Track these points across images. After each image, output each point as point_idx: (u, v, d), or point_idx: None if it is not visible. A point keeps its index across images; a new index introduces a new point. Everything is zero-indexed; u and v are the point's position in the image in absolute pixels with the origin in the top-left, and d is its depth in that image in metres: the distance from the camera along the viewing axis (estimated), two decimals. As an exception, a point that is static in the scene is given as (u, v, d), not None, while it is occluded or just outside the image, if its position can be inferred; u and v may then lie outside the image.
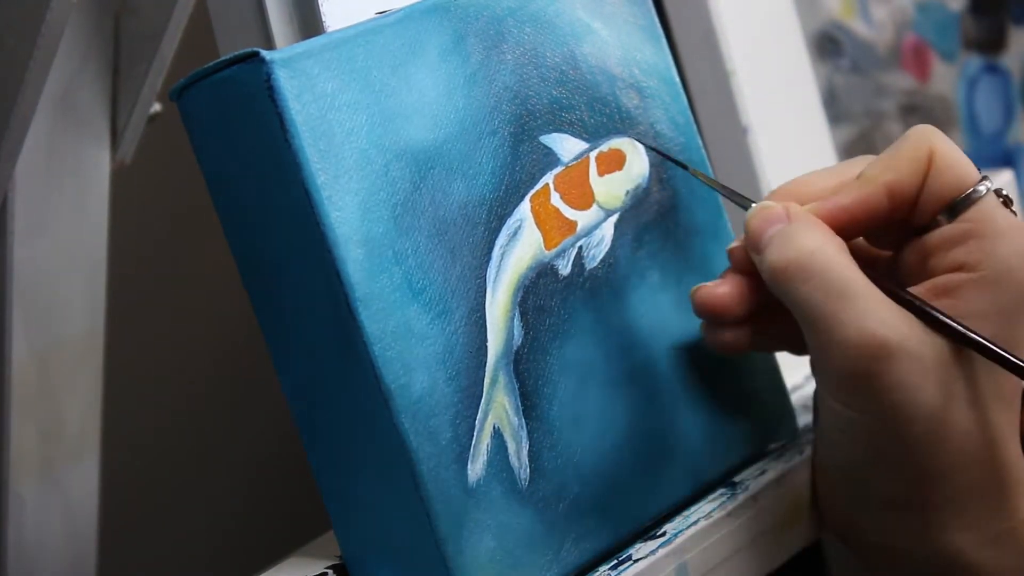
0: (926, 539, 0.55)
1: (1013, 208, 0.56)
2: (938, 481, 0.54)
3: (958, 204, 0.55)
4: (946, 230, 0.55)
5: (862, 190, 0.55)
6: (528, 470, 0.53)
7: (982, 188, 0.55)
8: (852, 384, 0.53)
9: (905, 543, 0.56)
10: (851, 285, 0.53)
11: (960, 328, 0.53)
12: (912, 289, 0.55)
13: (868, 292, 0.53)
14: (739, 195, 0.58)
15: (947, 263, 0.55)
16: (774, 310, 0.57)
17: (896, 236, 0.57)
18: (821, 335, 0.53)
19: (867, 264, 0.55)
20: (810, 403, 0.66)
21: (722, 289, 0.57)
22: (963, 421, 0.54)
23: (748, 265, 0.56)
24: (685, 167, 0.58)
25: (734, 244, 0.57)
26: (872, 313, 0.52)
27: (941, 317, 0.53)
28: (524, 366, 0.53)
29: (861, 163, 0.57)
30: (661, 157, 0.58)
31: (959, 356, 0.54)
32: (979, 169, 0.56)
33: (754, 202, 0.56)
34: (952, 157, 0.55)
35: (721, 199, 0.61)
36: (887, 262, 0.58)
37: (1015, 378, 0.55)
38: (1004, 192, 0.56)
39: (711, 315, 0.57)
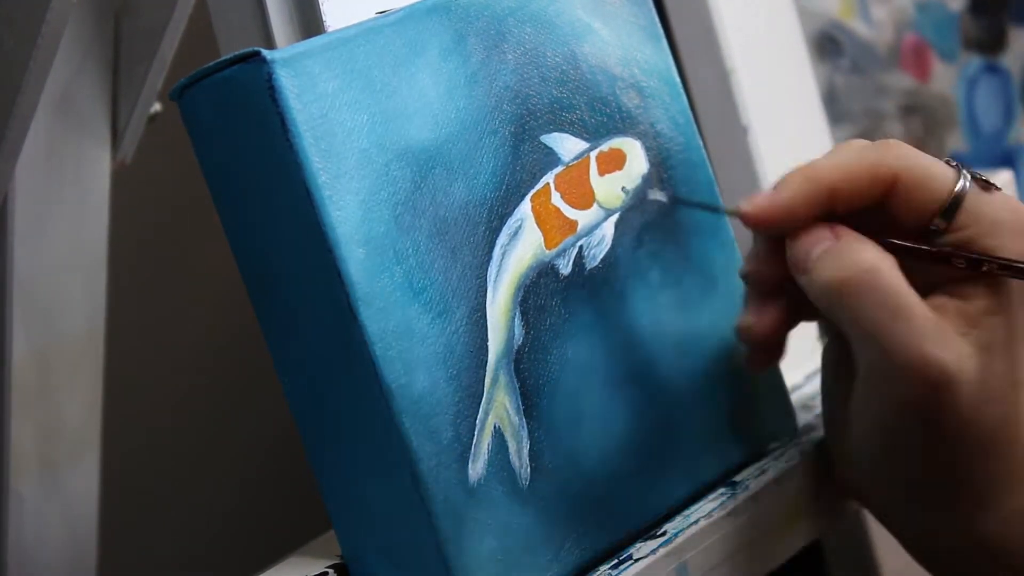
0: (957, 527, 0.56)
1: (995, 185, 0.56)
2: (976, 478, 0.55)
3: (947, 210, 0.55)
4: (948, 238, 0.55)
5: (803, 187, 0.55)
6: (529, 470, 0.53)
7: (961, 184, 0.55)
8: (909, 405, 0.53)
9: (929, 531, 0.57)
10: (908, 303, 0.53)
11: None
12: (934, 299, 0.55)
13: (924, 312, 0.53)
14: (714, 207, 0.58)
15: (959, 269, 0.55)
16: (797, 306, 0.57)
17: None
18: (879, 355, 0.53)
19: None
20: (809, 403, 0.66)
21: (766, 322, 0.57)
22: (996, 418, 0.54)
23: (769, 285, 0.57)
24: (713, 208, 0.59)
25: (745, 268, 0.57)
26: (933, 336, 0.52)
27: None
28: (525, 365, 0.53)
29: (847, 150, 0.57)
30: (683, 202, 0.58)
31: (995, 358, 0.54)
32: (951, 162, 0.56)
33: (726, 212, 0.57)
34: (922, 171, 0.55)
35: (721, 199, 0.61)
36: None
37: None
38: (980, 176, 0.56)
39: (763, 345, 0.57)
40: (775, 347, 0.58)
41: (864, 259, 0.53)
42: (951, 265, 0.55)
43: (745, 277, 0.57)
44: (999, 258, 0.54)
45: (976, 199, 0.55)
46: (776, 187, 0.55)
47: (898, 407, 0.53)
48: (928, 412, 0.53)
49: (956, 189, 0.55)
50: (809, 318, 0.59)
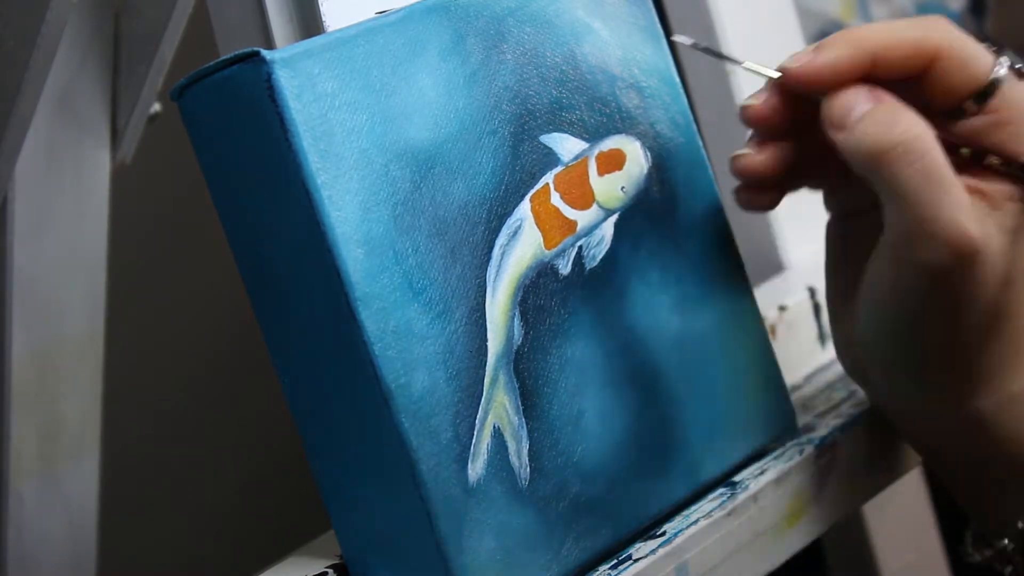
0: (948, 403, 0.57)
1: None
2: (973, 354, 0.56)
3: (982, 92, 0.56)
4: (976, 121, 0.56)
5: (847, 50, 0.55)
6: (528, 469, 0.53)
7: (1000, 71, 0.56)
8: (936, 273, 0.54)
9: (926, 407, 0.58)
10: (949, 175, 0.53)
11: None
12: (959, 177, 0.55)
13: (958, 184, 0.54)
14: (729, 57, 0.60)
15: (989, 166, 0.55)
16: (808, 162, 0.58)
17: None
18: (913, 219, 0.53)
19: None
20: (809, 403, 0.66)
21: (762, 157, 0.57)
22: (1012, 300, 0.55)
23: (775, 126, 0.57)
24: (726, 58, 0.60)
25: (751, 102, 0.58)
26: (966, 208, 0.53)
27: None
28: (524, 365, 0.53)
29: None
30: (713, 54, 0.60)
31: (1015, 242, 0.55)
32: (990, 48, 0.56)
33: (740, 62, 0.58)
34: (964, 51, 0.56)
35: (722, 199, 0.61)
36: None
37: None
38: (1018, 65, 0.57)
39: (752, 180, 0.58)
40: (769, 188, 0.58)
41: (912, 125, 0.54)
42: (980, 164, 0.55)
43: (747, 115, 0.58)
44: None
45: (1011, 86, 0.56)
46: (818, 48, 0.56)
47: (925, 274, 0.54)
48: (952, 283, 0.54)
49: (994, 74, 0.56)
50: (813, 185, 0.60)
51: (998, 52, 0.56)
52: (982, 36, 0.95)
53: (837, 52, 0.55)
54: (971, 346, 0.56)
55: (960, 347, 0.56)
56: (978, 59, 0.56)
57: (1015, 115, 0.55)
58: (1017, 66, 0.56)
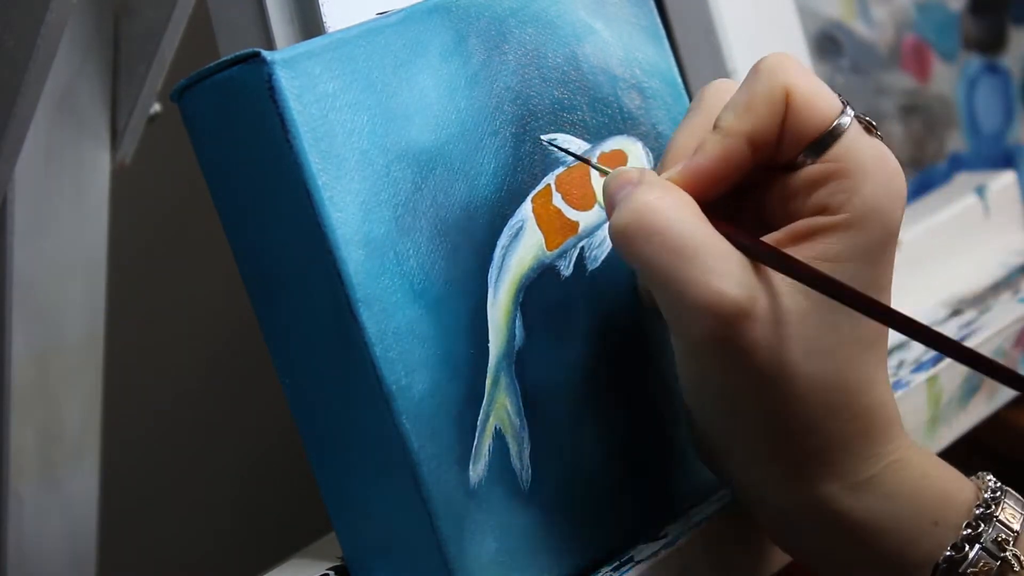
0: (792, 490, 0.53)
1: (878, 133, 0.53)
2: (802, 434, 0.52)
3: (821, 141, 0.52)
4: (809, 171, 0.52)
5: (722, 146, 0.52)
6: (530, 471, 0.53)
7: (845, 119, 0.52)
8: (707, 347, 0.50)
9: (771, 493, 0.53)
10: (695, 241, 0.49)
11: (812, 275, 0.50)
12: (771, 235, 0.52)
13: (715, 248, 0.49)
14: (600, 167, 0.55)
15: (809, 206, 0.52)
16: None
17: (762, 175, 0.54)
18: (669, 297, 0.50)
19: (732, 210, 0.52)
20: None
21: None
22: (825, 372, 0.51)
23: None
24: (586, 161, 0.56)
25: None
26: (720, 270, 0.49)
27: (793, 266, 0.50)
28: (526, 367, 0.53)
29: (716, 102, 0.54)
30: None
31: (818, 304, 0.51)
32: (840, 97, 0.53)
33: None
34: (809, 91, 0.52)
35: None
36: (754, 204, 0.54)
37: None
38: (867, 117, 0.53)
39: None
40: None
41: (646, 199, 0.50)
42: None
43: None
44: (805, 268, 0.50)
45: (855, 137, 0.52)
46: (697, 152, 0.52)
47: (699, 349, 0.51)
48: (727, 350, 0.50)
49: (838, 121, 0.52)
50: None
51: (845, 103, 0.52)
52: (982, 37, 0.95)
53: (712, 153, 0.52)
54: (797, 425, 0.51)
55: (783, 426, 0.51)
56: (825, 98, 0.52)
57: (850, 167, 0.51)
58: (864, 118, 0.52)
